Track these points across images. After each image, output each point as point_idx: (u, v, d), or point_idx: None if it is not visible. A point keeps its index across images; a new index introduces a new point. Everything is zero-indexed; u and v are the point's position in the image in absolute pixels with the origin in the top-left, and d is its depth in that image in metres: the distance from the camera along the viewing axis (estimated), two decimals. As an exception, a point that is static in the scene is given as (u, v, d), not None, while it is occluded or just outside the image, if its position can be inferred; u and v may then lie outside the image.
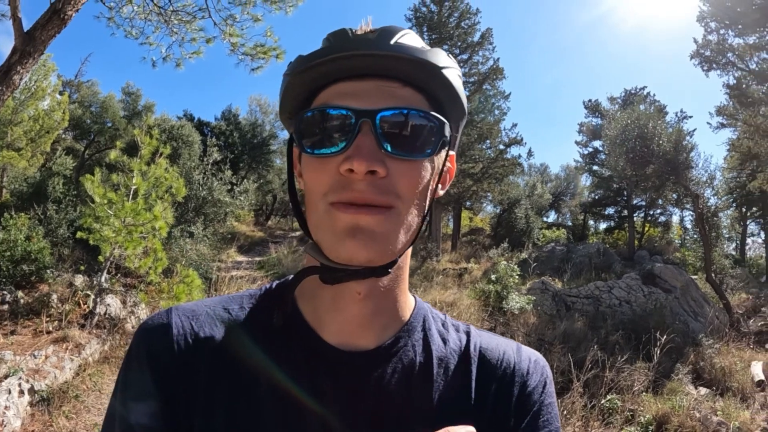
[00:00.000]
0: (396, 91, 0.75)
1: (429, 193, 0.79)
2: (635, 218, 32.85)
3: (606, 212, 36.36)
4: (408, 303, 0.88)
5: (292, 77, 0.78)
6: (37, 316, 8.10)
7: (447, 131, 0.78)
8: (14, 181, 15.03)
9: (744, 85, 17.72)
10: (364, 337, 0.81)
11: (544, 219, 37.02)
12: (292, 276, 0.86)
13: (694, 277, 17.13)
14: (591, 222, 39.43)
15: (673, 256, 26.11)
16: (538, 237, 29.84)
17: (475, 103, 25.13)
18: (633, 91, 34.35)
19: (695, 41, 17.93)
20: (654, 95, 34.46)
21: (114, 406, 0.79)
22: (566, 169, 41.64)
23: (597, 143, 34.04)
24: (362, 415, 0.78)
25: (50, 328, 7.87)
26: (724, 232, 22.03)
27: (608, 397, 7.90)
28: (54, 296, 8.65)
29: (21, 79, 6.48)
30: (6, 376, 6.09)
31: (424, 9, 26.34)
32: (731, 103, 18.78)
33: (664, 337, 8.57)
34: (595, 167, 34.92)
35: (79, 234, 8.61)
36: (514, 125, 35.69)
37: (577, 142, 36.47)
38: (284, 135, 32.49)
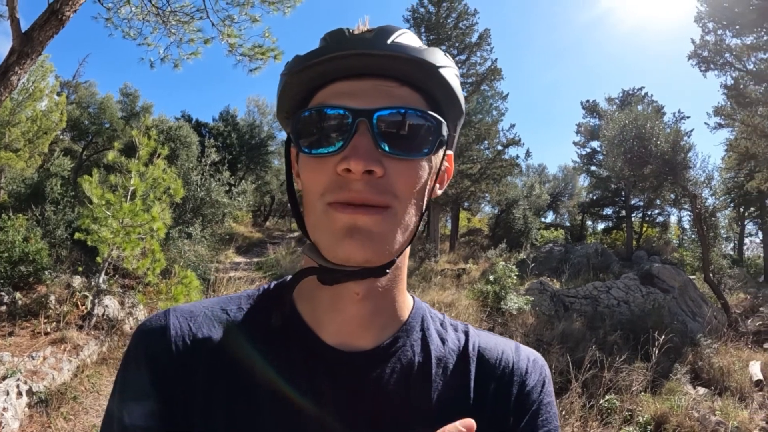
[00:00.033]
0: (393, 91, 0.75)
1: (426, 193, 0.79)
2: (633, 218, 32.92)
3: (604, 212, 36.42)
4: (406, 303, 0.88)
5: (289, 77, 0.78)
6: (35, 317, 8.09)
7: (444, 130, 0.78)
8: (12, 182, 15.02)
9: (741, 86, 17.74)
10: (362, 338, 0.81)
11: (542, 219, 37.08)
12: (289, 276, 0.86)
13: (692, 277, 17.15)
14: (589, 222, 39.50)
15: (671, 256, 26.17)
16: (537, 237, 29.88)
17: (473, 104, 25.14)
18: (631, 92, 34.44)
19: (693, 42, 17.95)
20: (652, 96, 34.56)
21: (112, 408, 0.79)
22: (564, 170, 41.73)
23: (595, 144, 34.13)
24: (361, 415, 0.78)
25: (48, 330, 7.85)
26: (722, 232, 22.05)
27: (607, 397, 7.91)
28: (52, 297, 8.64)
29: (19, 79, 6.48)
30: (4, 378, 6.08)
31: (422, 10, 26.35)
32: (729, 103, 18.81)
33: (663, 337, 8.59)
34: (593, 168, 34.99)
35: (77, 235, 8.61)
36: (512, 126, 35.75)
37: (574, 143, 36.60)
38: (282, 136, 32.44)
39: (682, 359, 10.48)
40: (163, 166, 9.49)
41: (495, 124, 26.59)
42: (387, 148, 0.72)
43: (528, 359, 0.89)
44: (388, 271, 0.77)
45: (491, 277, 13.95)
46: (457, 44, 25.64)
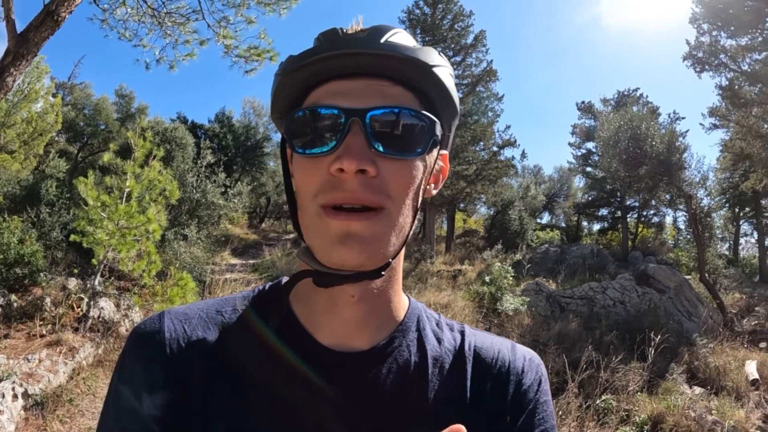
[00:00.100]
0: (386, 90, 0.75)
1: (421, 193, 0.79)
2: (629, 219, 33.00)
3: (599, 213, 36.49)
4: (402, 303, 0.87)
5: (282, 77, 0.78)
6: (30, 319, 8.07)
7: (438, 130, 0.78)
8: (7, 183, 14.96)
9: (736, 86, 17.78)
10: (358, 339, 0.81)
11: (538, 220, 37.14)
12: (285, 277, 0.86)
13: (687, 277, 17.19)
14: (584, 223, 39.57)
15: (666, 257, 26.19)
16: (532, 238, 29.92)
17: (468, 105, 25.18)
18: (626, 93, 34.49)
19: (688, 43, 18.00)
20: (647, 96, 34.63)
21: (107, 411, 0.79)
22: (560, 171, 41.84)
23: (590, 145, 34.13)
24: (358, 416, 0.77)
25: (44, 332, 7.83)
26: (718, 232, 22.19)
27: (603, 397, 7.92)
28: (47, 300, 8.61)
29: (14, 81, 6.46)
30: (0, 380, 6.06)
31: (417, 11, 26.41)
32: (724, 104, 18.85)
33: (659, 337, 8.60)
34: (589, 168, 35.06)
35: (72, 237, 8.58)
36: (508, 127, 35.72)
37: (570, 144, 36.64)
38: (278, 137, 32.20)
39: (678, 359, 10.50)
40: (158, 167, 9.48)
41: (490, 126, 26.63)
42: (380, 148, 0.72)
43: (524, 358, 0.89)
44: (383, 273, 0.77)
45: (487, 278, 13.97)
46: (452, 45, 25.68)
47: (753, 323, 14.97)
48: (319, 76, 0.76)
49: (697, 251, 15.76)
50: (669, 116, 31.72)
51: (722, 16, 16.80)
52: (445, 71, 0.77)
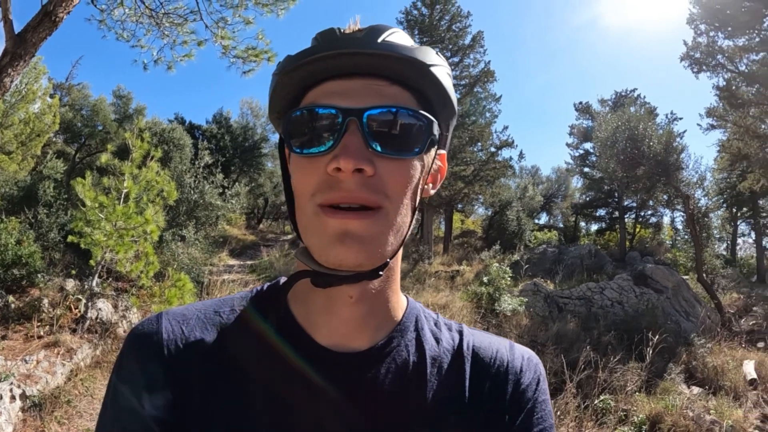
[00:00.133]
0: (384, 90, 0.75)
1: (419, 193, 0.79)
2: (626, 219, 32.99)
3: (597, 214, 36.53)
4: (400, 303, 0.87)
5: (280, 77, 0.78)
6: (28, 320, 8.05)
7: (436, 129, 0.78)
8: (4, 184, 14.92)
9: (734, 87, 17.82)
10: (357, 339, 0.81)
11: (536, 221, 37.12)
12: (283, 278, 0.86)
13: (685, 277, 17.21)
14: (582, 223, 39.58)
15: (664, 257, 26.22)
16: (530, 239, 29.92)
17: (466, 106, 25.19)
18: (623, 93, 34.51)
19: (685, 43, 18.02)
20: (644, 97, 34.71)
21: (106, 413, 0.79)
22: (557, 171, 41.80)
23: (588, 145, 34.16)
24: (357, 416, 0.77)
25: (41, 333, 7.81)
26: (715, 232, 22.20)
27: (601, 397, 7.92)
28: (45, 301, 8.59)
29: (12, 81, 6.45)
30: (-3, 382, 6.05)
31: (415, 12, 26.39)
32: (721, 104, 18.89)
33: (657, 337, 8.60)
34: (586, 169, 35.10)
35: (70, 238, 8.56)
36: (506, 128, 35.67)
37: (568, 144, 36.63)
38: (275, 138, 32.31)
39: (676, 359, 10.51)
40: (156, 168, 9.46)
41: (488, 126, 26.64)
42: (378, 148, 0.72)
43: (522, 357, 0.89)
44: (381, 273, 0.76)
45: (485, 279, 13.97)
46: (450, 46, 25.68)
47: (751, 323, 15.00)
48: (316, 75, 0.76)
49: (695, 251, 15.77)
50: (666, 117, 31.79)
51: (720, 16, 16.83)
52: (442, 71, 0.77)
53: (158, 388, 0.76)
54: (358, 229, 0.70)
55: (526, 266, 17.28)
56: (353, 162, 0.68)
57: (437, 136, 0.79)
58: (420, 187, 0.79)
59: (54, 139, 22.29)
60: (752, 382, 9.86)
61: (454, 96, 0.81)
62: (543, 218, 41.38)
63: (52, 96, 16.55)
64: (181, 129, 22.60)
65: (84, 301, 8.67)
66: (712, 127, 20.32)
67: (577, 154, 35.88)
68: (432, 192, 0.87)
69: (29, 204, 12.85)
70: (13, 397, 5.85)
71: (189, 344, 0.80)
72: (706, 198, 19.10)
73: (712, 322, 13.82)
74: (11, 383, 5.99)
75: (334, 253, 0.70)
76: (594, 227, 38.73)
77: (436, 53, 0.77)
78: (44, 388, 6.43)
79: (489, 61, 26.19)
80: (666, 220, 34.82)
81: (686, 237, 21.31)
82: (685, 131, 27.84)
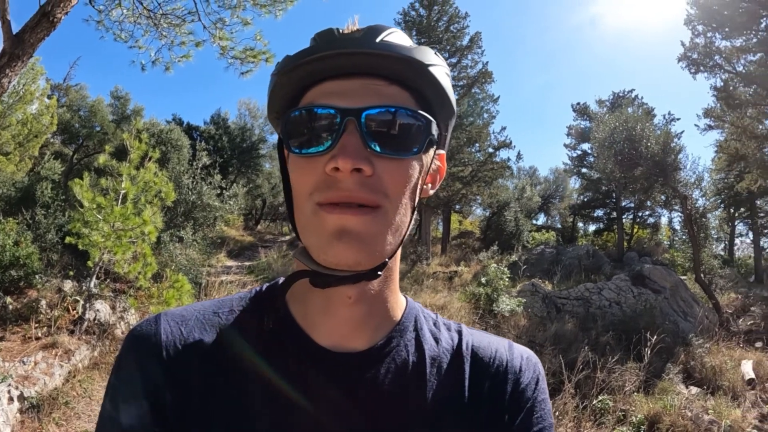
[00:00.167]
0: (382, 90, 0.75)
1: (418, 192, 0.79)
2: (624, 220, 33.02)
3: (595, 214, 36.50)
4: (399, 303, 0.87)
5: (279, 77, 0.78)
6: (25, 322, 8.03)
7: (434, 129, 0.78)
8: (2, 185, 14.88)
9: (731, 87, 17.82)
10: (356, 339, 0.81)
11: (534, 222, 37.11)
12: (281, 278, 0.86)
13: (683, 277, 17.25)
14: (580, 224, 39.55)
15: (662, 257, 26.26)
16: (528, 240, 29.93)
17: (464, 107, 25.20)
18: (621, 94, 34.55)
19: (682, 44, 18.02)
20: (642, 98, 34.73)
21: (105, 414, 0.78)
22: (555, 172, 41.79)
23: (585, 146, 34.18)
24: (357, 416, 0.78)
25: (39, 334, 7.80)
26: (713, 232, 22.19)
27: (600, 397, 7.93)
28: (43, 302, 8.58)
29: (9, 82, 6.44)
30: (-5, 383, 6.04)
31: (413, 13, 26.41)
32: (718, 105, 18.87)
33: (655, 337, 8.62)
34: (584, 170, 35.09)
35: (67, 239, 8.55)
36: (503, 128, 35.79)
37: (565, 145, 36.63)
38: (273, 139, 32.45)
39: (674, 359, 10.53)
40: (154, 169, 9.45)
41: (486, 127, 26.65)
42: (376, 147, 0.72)
43: (521, 357, 0.90)
44: (379, 273, 0.76)
45: (483, 280, 13.97)
46: (448, 47, 25.70)
47: (749, 323, 15.02)
48: (315, 75, 0.76)
49: (693, 252, 15.80)
50: (664, 117, 31.91)
51: (717, 17, 16.84)
52: (441, 70, 0.77)
53: (157, 389, 0.76)
54: (356, 226, 0.70)
55: (524, 267, 17.29)
56: (351, 162, 0.68)
57: (436, 136, 0.79)
58: (419, 186, 0.79)
59: (51, 140, 22.23)
60: (750, 381, 9.88)
61: (452, 96, 0.81)
62: (541, 219, 41.40)
63: (49, 97, 16.53)
64: (179, 130, 22.58)
65: (82, 302, 8.66)
66: (710, 127, 20.31)
67: (574, 155, 35.91)
68: (431, 192, 0.87)
69: (27, 205, 12.82)
70: (11, 399, 5.84)
71: (188, 345, 0.80)
72: (703, 198, 19.13)
73: (710, 322, 13.85)
74: (9, 385, 5.98)
75: (332, 252, 0.70)
76: (592, 228, 38.73)
77: (435, 53, 0.77)
78: (42, 389, 6.42)
79: (487, 62, 26.23)
80: (664, 220, 34.84)
81: (684, 237, 21.37)
82: (682, 132, 27.93)
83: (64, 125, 21.82)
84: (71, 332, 8.13)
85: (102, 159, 9.21)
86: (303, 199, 0.74)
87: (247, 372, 0.78)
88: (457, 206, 32.34)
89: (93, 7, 8.81)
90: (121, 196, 8.88)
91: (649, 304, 13.39)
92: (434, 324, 0.91)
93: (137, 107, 25.45)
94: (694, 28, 17.67)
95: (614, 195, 32.55)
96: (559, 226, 40.82)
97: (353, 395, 0.78)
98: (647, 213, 34.38)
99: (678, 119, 33.88)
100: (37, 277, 9.45)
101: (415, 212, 0.80)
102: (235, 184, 22.58)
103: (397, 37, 0.77)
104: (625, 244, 31.29)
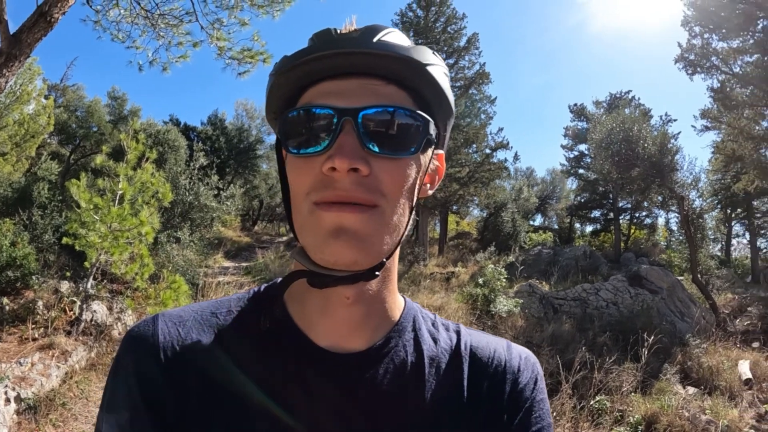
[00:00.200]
0: (379, 89, 0.74)
1: (416, 192, 0.79)
2: (621, 221, 33.13)
3: (592, 215, 36.59)
4: (397, 304, 0.87)
5: (276, 77, 0.78)
6: (22, 322, 8.02)
7: (432, 129, 0.78)
8: (-1, 186, 14.90)
9: (728, 89, 17.86)
10: (354, 339, 0.81)
11: (531, 222, 37.20)
12: (280, 278, 0.86)
13: (680, 278, 17.28)
14: (577, 225, 39.64)
15: (659, 258, 26.31)
16: (525, 240, 29.94)
17: (461, 108, 25.20)
18: (618, 95, 34.64)
19: (679, 45, 18.05)
20: (639, 99, 34.82)
21: (102, 416, 0.78)
22: (552, 173, 41.96)
23: (582, 147, 34.28)
24: (355, 416, 0.77)
25: (36, 335, 7.78)
26: (710, 233, 22.22)
27: (597, 398, 7.93)
28: (40, 303, 8.56)
29: (6, 82, 6.43)
30: (-9, 384, 6.02)
31: (410, 14, 26.45)
32: (715, 106, 18.91)
33: (652, 337, 8.62)
34: (581, 171, 35.22)
35: (64, 240, 8.53)
36: (501, 129, 35.78)
37: (562, 146, 36.76)
38: (270, 140, 32.51)
39: (671, 359, 10.54)
40: (151, 170, 9.43)
41: (483, 128, 26.67)
42: (373, 147, 0.72)
43: (520, 357, 0.90)
44: (377, 273, 0.76)
45: (480, 280, 13.98)
46: (445, 48, 25.74)
47: (746, 323, 15.05)
48: (312, 75, 0.76)
49: (690, 252, 15.84)
50: (661, 118, 32.03)
51: (714, 18, 16.86)
52: (439, 70, 0.77)
53: (155, 390, 0.76)
54: (353, 224, 0.70)
55: (521, 267, 17.30)
56: (348, 161, 0.68)
57: (434, 136, 0.79)
58: (417, 186, 0.79)
59: (48, 141, 22.21)
60: (747, 381, 9.90)
61: (451, 95, 0.81)
62: (538, 220, 41.56)
63: (46, 97, 16.50)
64: (176, 130, 22.59)
65: (79, 303, 8.64)
66: (707, 128, 20.35)
67: (571, 156, 36.03)
68: (430, 192, 0.87)
69: (24, 205, 12.80)
70: (7, 400, 5.83)
71: (186, 346, 0.79)
72: (700, 199, 19.13)
73: (707, 322, 13.87)
74: (6, 386, 5.96)
75: (329, 251, 0.70)
76: (589, 228, 38.82)
77: (433, 53, 0.77)
78: (39, 390, 6.41)
79: (484, 63, 26.25)
80: (661, 221, 34.96)
81: (681, 238, 21.45)
82: (679, 133, 27.87)
83: (61, 126, 21.79)
84: (68, 333, 8.11)
85: (99, 159, 9.18)
86: (300, 199, 0.74)
87: (245, 373, 0.78)
88: (455, 207, 32.39)
89: (90, 7, 8.81)
90: (118, 197, 8.87)
91: (646, 305, 13.40)
92: (433, 324, 0.91)
93: (134, 108, 25.42)
94: (691, 29, 17.71)
95: (611, 196, 32.65)
96: (556, 226, 40.98)
97: (352, 396, 0.78)
98: (644, 214, 34.52)
99: (675, 120, 34.13)
100: (33, 277, 9.43)
101: (413, 212, 0.80)
102: (232, 185, 22.57)
103: (395, 36, 0.77)
104: (622, 244, 31.39)
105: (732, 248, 33.01)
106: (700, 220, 17.22)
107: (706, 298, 15.22)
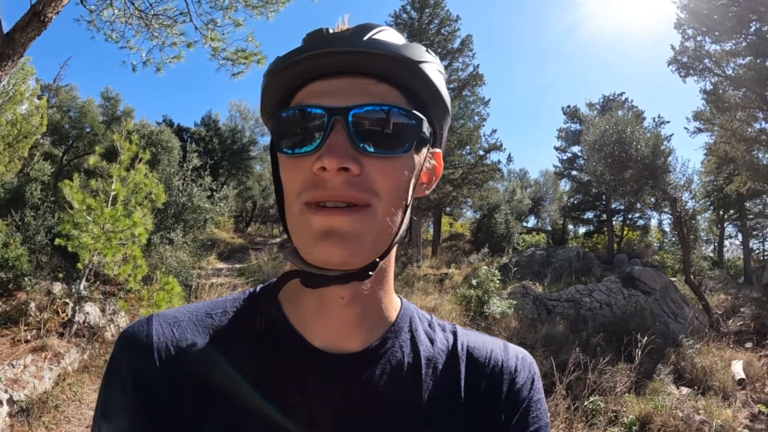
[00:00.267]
0: (371, 88, 0.74)
1: (410, 192, 0.78)
2: (614, 222, 33.25)
3: (585, 216, 36.72)
4: (394, 304, 0.87)
5: (269, 77, 0.78)
6: (15, 324, 7.98)
7: (425, 127, 0.77)
8: (-9, 187, 14.82)
9: (720, 91, 17.96)
10: (350, 340, 0.81)
11: (524, 224, 37.34)
12: (275, 279, 0.86)
13: (673, 279, 17.36)
14: (570, 226, 39.78)
15: (652, 259, 26.40)
16: (518, 242, 30.03)
17: (455, 110, 25.24)
18: (611, 97, 34.81)
19: (673, 48, 18.14)
20: (632, 101, 35.01)
21: (98, 417, 0.78)
22: (545, 175, 42.08)
23: (576, 149, 34.41)
24: (352, 417, 0.77)
25: (29, 337, 7.75)
26: (702, 234, 22.34)
27: (591, 398, 7.95)
28: (32, 304, 8.52)
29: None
30: (-17, 386, 6.00)
31: (404, 15, 26.46)
32: (708, 108, 19.02)
33: (645, 338, 8.66)
34: (574, 172, 35.34)
35: (57, 241, 8.49)
36: (494, 131, 35.98)
37: (556, 148, 36.88)
38: (263, 141, 32.53)
39: (664, 360, 10.59)
40: (144, 170, 9.40)
41: (477, 130, 26.74)
42: (363, 146, 0.71)
43: (517, 357, 0.90)
44: (371, 273, 0.76)
45: (474, 282, 14.00)
46: (439, 50, 25.74)
47: (738, 324, 15.12)
48: (304, 75, 0.76)
49: (682, 253, 15.91)
50: (654, 120, 32.20)
51: (707, 21, 16.95)
52: (432, 67, 0.77)
53: (150, 391, 0.76)
54: (342, 226, 0.69)
55: (515, 269, 17.34)
56: (337, 160, 0.68)
57: (428, 134, 0.79)
58: (411, 186, 0.78)
59: (41, 141, 22.06)
60: (741, 382, 9.94)
61: (446, 93, 0.81)
62: (531, 221, 41.66)
63: (39, 97, 16.38)
64: (170, 131, 22.50)
65: (71, 304, 8.60)
66: (699, 130, 20.46)
67: (565, 158, 36.17)
68: (427, 192, 0.87)
69: (16, 206, 12.75)
70: (0, 402, 5.80)
71: (180, 347, 0.79)
72: (693, 200, 19.32)
73: (700, 323, 13.93)
74: (-2, 388, 5.94)
75: (318, 251, 0.70)
76: (582, 230, 39.02)
77: (426, 50, 0.77)
78: (32, 392, 6.38)
79: (478, 65, 26.28)
80: (653, 222, 35.18)
81: (674, 239, 21.54)
82: (672, 135, 27.98)
83: (54, 126, 21.67)
84: (61, 335, 8.08)
85: (92, 160, 9.15)
86: (292, 199, 0.74)
87: (240, 374, 0.77)
88: (448, 209, 32.41)
89: (84, 6, 8.79)
90: (111, 198, 8.83)
91: (640, 306, 13.46)
92: (429, 325, 0.91)
93: (128, 108, 25.29)
94: (684, 31, 17.81)
95: (604, 197, 32.77)
96: (549, 228, 41.06)
97: (348, 396, 0.78)
98: (637, 215, 34.68)
99: (668, 122, 34.19)
100: (26, 279, 9.38)
101: (408, 211, 0.79)
102: (225, 186, 22.51)
103: (388, 35, 0.77)
104: (615, 246, 31.47)
105: (725, 249, 33.26)
106: (693, 221, 17.32)
107: (699, 299, 15.29)
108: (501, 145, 27.03)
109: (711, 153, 22.85)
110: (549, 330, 12.08)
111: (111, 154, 10.11)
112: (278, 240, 28.22)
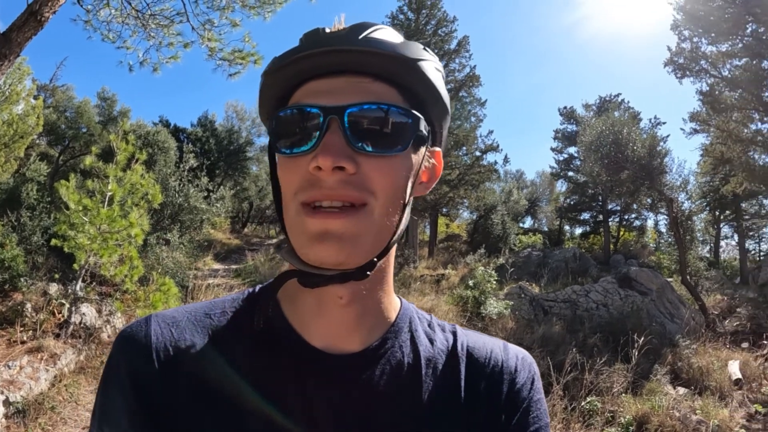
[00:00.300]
0: (367, 87, 0.74)
1: (408, 191, 0.78)
2: (610, 223, 33.32)
3: (581, 217, 36.78)
4: (393, 304, 0.87)
5: (267, 77, 0.78)
6: (10, 325, 7.96)
7: (423, 126, 0.77)
8: (-13, 187, 14.79)
9: (717, 92, 18.01)
10: (350, 340, 0.80)
11: (521, 225, 37.40)
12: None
13: (669, 279, 17.38)
14: (567, 227, 39.86)
15: (648, 260, 26.48)
16: (515, 243, 30.06)
17: (451, 110, 25.18)
18: (608, 98, 34.86)
19: (669, 49, 18.19)
20: (628, 102, 35.12)
21: (96, 418, 0.77)
22: (542, 176, 42.19)
23: (572, 149, 34.46)
24: (351, 418, 0.77)
25: (24, 338, 7.73)
26: (699, 235, 22.45)
27: (588, 399, 7.96)
28: (28, 305, 8.50)
29: (-5, 82, 6.40)
30: (-21, 387, 5.98)
31: (401, 16, 26.48)
32: (704, 109, 19.08)
33: (642, 338, 8.67)
34: (571, 173, 35.40)
35: (53, 241, 8.48)
36: (490, 132, 35.83)
37: (552, 149, 36.94)
38: (260, 142, 32.53)
39: (661, 360, 10.61)
40: (141, 171, 9.39)
41: (473, 131, 26.80)
42: (359, 145, 0.71)
43: (516, 357, 0.89)
44: (368, 273, 0.75)
45: (470, 283, 14.02)
46: (436, 51, 25.41)
47: (735, 324, 15.17)
48: (301, 75, 0.76)
49: (679, 254, 15.94)
50: (650, 121, 32.30)
51: (703, 23, 16.99)
52: (430, 65, 0.77)
53: (149, 391, 0.75)
54: (338, 227, 0.69)
55: (511, 270, 17.37)
56: (332, 160, 0.68)
57: (425, 133, 0.78)
58: (409, 184, 0.78)
59: (37, 141, 22.03)
60: (737, 381, 9.97)
61: (444, 91, 0.80)
62: (528, 222, 41.78)
63: (36, 97, 16.35)
64: (166, 132, 22.52)
65: (67, 305, 8.59)
66: (696, 131, 20.52)
67: (561, 159, 36.23)
68: (427, 191, 0.86)
69: (12, 207, 12.71)
70: (-5, 403, 5.79)
71: (179, 347, 0.78)
72: (689, 201, 19.34)
73: (696, 323, 13.96)
74: (-6, 389, 5.92)
75: (313, 252, 0.70)
76: (578, 231, 39.07)
77: (423, 48, 0.77)
78: (28, 394, 6.36)
79: (474, 66, 26.33)
80: (650, 223, 35.23)
81: (670, 240, 21.59)
82: (668, 136, 28.22)
83: (50, 126, 21.63)
84: (57, 336, 8.06)
85: (88, 160, 9.13)
86: (289, 199, 0.74)
87: (239, 374, 0.77)
88: (444, 209, 32.43)
89: (81, 6, 8.77)
90: (107, 198, 8.82)
91: (636, 306, 13.48)
92: (429, 325, 0.91)
93: (124, 108, 25.24)
94: (681, 33, 17.86)
95: (601, 198, 32.84)
96: (545, 229, 41.17)
97: (348, 397, 0.77)
98: (633, 216, 34.76)
99: (664, 123, 34.36)
100: (22, 279, 9.36)
101: (406, 210, 0.79)
102: (222, 187, 22.50)
103: (384, 33, 0.76)
104: (612, 246, 31.56)
105: (721, 250, 33.31)
106: (689, 222, 17.38)
107: (695, 300, 15.32)
108: (498, 146, 27.12)
109: (707, 154, 22.94)
110: (546, 331, 12.09)
111: (107, 155, 10.07)
112: (275, 241, 28.21)
